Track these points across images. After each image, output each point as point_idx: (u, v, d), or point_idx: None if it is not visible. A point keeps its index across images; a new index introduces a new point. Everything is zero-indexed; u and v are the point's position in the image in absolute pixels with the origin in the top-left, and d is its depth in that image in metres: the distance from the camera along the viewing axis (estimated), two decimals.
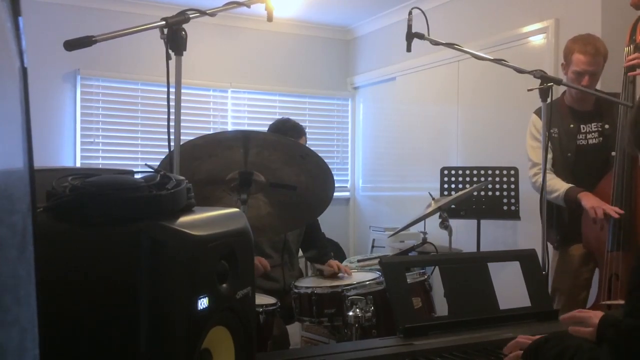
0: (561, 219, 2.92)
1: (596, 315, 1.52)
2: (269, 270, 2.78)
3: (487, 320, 1.91)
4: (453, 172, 3.91)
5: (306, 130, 3.23)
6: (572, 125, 2.91)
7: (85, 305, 1.02)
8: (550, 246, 2.85)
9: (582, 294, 2.92)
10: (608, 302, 2.61)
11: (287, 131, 2.99)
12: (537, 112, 2.94)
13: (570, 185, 2.82)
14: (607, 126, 2.87)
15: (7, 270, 0.63)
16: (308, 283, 2.68)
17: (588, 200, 2.71)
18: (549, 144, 2.89)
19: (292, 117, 3.25)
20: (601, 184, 2.78)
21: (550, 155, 2.88)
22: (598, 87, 2.97)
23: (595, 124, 2.89)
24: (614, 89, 2.90)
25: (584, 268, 2.91)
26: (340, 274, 2.81)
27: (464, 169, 3.91)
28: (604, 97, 2.73)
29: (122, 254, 1.01)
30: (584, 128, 2.91)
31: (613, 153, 2.76)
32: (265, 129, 3.21)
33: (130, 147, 5.05)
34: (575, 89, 2.80)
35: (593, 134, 2.90)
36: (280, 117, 3.39)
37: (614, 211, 2.60)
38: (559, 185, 2.83)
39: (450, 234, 3.20)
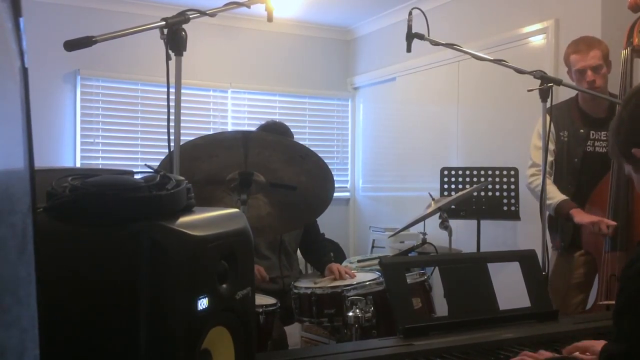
0: (566, 224, 2.89)
1: (599, 344, 1.52)
2: (267, 280, 2.78)
3: (487, 321, 1.91)
4: (453, 172, 3.91)
5: (306, 130, 3.23)
6: (582, 130, 2.85)
7: (85, 306, 1.02)
8: (549, 247, 2.84)
9: (578, 297, 2.90)
10: (606, 303, 2.61)
11: (272, 132, 2.95)
12: (548, 111, 2.92)
13: (564, 197, 2.78)
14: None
15: (7, 271, 0.63)
16: (308, 283, 2.68)
17: (583, 217, 2.70)
18: (555, 148, 2.87)
19: (292, 117, 3.25)
20: (599, 186, 2.77)
21: (551, 159, 2.86)
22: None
23: (605, 132, 2.82)
24: (613, 90, 2.90)
25: (581, 270, 2.90)
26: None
27: (464, 169, 3.91)
28: (606, 98, 2.73)
29: (122, 254, 1.01)
30: (593, 134, 2.85)
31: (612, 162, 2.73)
32: None
33: (130, 148, 5.05)
34: (581, 92, 2.78)
35: (602, 142, 2.83)
36: (275, 118, 3.38)
37: (605, 226, 2.61)
38: (553, 194, 2.79)
39: (450, 235, 3.20)
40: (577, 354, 1.56)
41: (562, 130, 2.84)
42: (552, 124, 2.83)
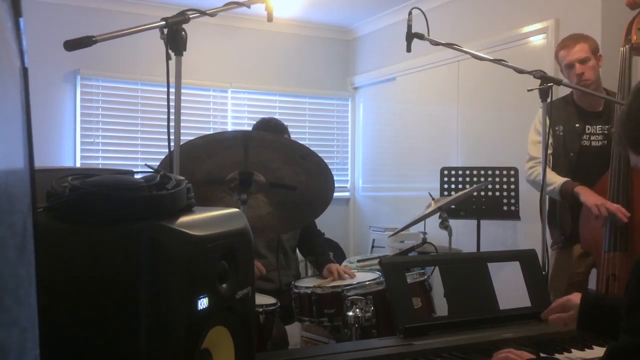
0: (565, 219, 2.91)
1: (576, 297, 1.53)
2: (265, 274, 2.78)
3: (487, 320, 1.91)
4: (453, 172, 3.91)
5: (306, 130, 3.22)
6: (577, 125, 2.88)
7: (85, 305, 1.02)
8: (549, 247, 2.84)
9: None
10: None
11: (269, 130, 2.96)
12: (546, 107, 2.93)
13: (566, 178, 2.80)
14: (613, 129, 2.84)
15: (7, 270, 0.63)
16: (308, 283, 2.68)
17: (589, 197, 2.68)
18: (551, 142, 2.88)
19: (292, 117, 3.25)
20: (599, 184, 2.77)
21: (549, 152, 2.87)
22: None
23: (600, 126, 2.86)
24: (612, 87, 2.90)
25: (580, 269, 2.90)
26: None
27: (464, 169, 3.91)
28: (602, 97, 2.73)
29: (122, 254, 1.01)
30: (589, 129, 2.87)
31: (612, 158, 2.74)
32: None
33: (130, 147, 5.05)
34: (573, 88, 2.79)
35: (597, 136, 2.86)
36: (275, 117, 3.37)
37: (619, 211, 2.58)
38: (554, 179, 2.79)
39: (450, 234, 3.19)
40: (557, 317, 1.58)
41: (557, 125, 2.86)
42: (548, 119, 2.84)
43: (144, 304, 0.98)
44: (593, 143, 2.88)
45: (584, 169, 2.86)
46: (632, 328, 1.17)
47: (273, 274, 2.93)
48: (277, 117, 3.67)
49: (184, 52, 1.78)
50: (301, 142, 2.86)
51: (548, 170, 2.82)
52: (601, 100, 2.87)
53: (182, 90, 1.83)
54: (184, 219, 1.07)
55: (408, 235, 4.38)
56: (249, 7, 1.97)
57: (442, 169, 3.95)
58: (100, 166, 4.90)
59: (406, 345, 1.70)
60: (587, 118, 2.89)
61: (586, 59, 2.79)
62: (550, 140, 2.88)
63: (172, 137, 1.79)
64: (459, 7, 4.60)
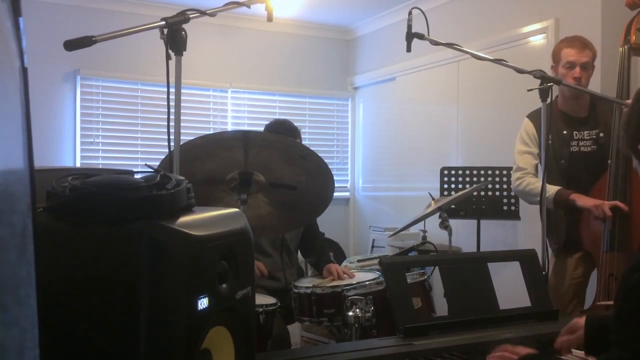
0: (559, 227, 2.90)
1: (582, 319, 1.53)
2: (266, 275, 2.78)
3: (487, 320, 1.91)
4: (453, 172, 3.91)
5: (306, 130, 3.22)
6: (565, 132, 2.88)
7: (85, 305, 1.02)
8: (548, 245, 2.84)
9: (575, 297, 2.89)
10: (605, 303, 2.61)
11: (282, 133, 2.96)
12: (530, 117, 2.94)
13: (559, 187, 2.80)
14: (601, 134, 2.83)
15: (7, 271, 0.63)
16: (308, 283, 2.68)
17: (586, 201, 2.70)
18: (539, 152, 2.88)
19: (292, 117, 3.26)
20: (597, 187, 2.77)
21: (536, 162, 2.89)
22: (596, 89, 2.97)
23: (588, 131, 2.87)
24: (611, 88, 2.90)
25: (578, 271, 2.89)
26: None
27: (463, 169, 3.91)
28: (599, 95, 2.73)
29: (122, 254, 1.01)
30: (577, 135, 2.88)
31: (609, 162, 2.74)
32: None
33: (130, 147, 5.05)
34: (572, 88, 2.79)
35: (586, 141, 2.87)
36: (278, 117, 3.38)
37: (608, 208, 2.59)
38: (547, 187, 2.81)
39: (450, 234, 3.19)
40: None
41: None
42: (535, 129, 2.85)
43: (144, 304, 0.98)
44: (582, 149, 2.87)
45: (576, 174, 2.86)
46: (620, 340, 1.17)
47: (279, 273, 2.93)
48: (277, 117, 3.68)
49: (184, 52, 1.78)
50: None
51: (537, 179, 2.82)
52: (586, 105, 2.89)
53: (182, 90, 1.83)
54: (184, 219, 1.07)
55: (408, 235, 4.38)
56: (249, 7, 1.97)
57: (442, 169, 3.95)
58: (100, 166, 4.90)
59: (406, 345, 1.70)
60: (573, 124, 2.89)
61: (588, 66, 2.81)
62: (537, 151, 2.89)
63: (172, 137, 1.79)
64: (459, 7, 4.60)
